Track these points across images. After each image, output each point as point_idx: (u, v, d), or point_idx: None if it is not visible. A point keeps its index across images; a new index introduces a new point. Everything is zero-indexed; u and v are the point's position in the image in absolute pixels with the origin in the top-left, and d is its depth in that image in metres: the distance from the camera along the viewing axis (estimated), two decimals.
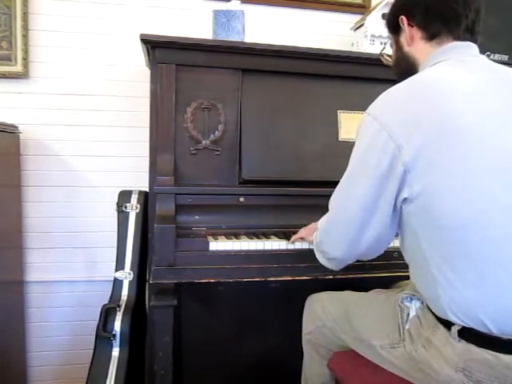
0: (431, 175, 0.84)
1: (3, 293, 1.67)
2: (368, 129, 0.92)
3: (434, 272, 0.88)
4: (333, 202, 1.01)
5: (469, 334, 0.85)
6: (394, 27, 1.07)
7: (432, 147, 0.84)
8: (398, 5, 1.07)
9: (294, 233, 1.31)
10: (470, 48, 0.97)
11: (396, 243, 1.30)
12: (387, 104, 0.92)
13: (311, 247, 1.14)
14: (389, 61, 1.19)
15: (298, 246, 1.30)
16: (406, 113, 0.88)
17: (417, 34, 1.01)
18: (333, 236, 1.01)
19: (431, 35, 0.99)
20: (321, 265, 1.10)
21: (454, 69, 0.93)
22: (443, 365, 0.89)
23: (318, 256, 1.10)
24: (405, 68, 1.05)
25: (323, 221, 1.04)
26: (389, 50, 1.18)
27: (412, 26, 1.01)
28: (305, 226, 1.31)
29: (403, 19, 1.02)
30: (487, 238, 0.82)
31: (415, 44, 1.02)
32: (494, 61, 0.98)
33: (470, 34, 0.97)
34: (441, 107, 0.86)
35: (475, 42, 0.99)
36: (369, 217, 0.92)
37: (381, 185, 0.89)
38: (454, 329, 0.87)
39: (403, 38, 1.04)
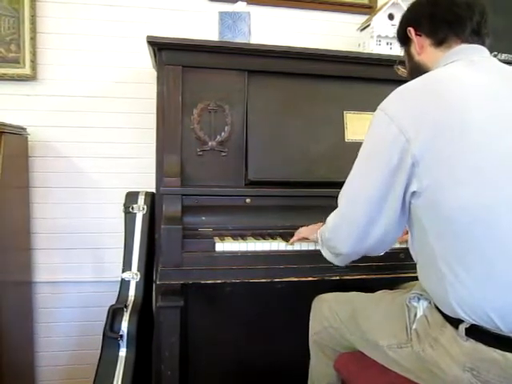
0: (439, 169, 0.85)
1: (12, 293, 1.69)
2: (379, 123, 0.94)
3: (441, 268, 0.88)
4: (342, 198, 1.02)
5: (477, 332, 0.85)
6: (403, 40, 1.12)
7: (440, 140, 0.84)
8: (404, 18, 1.12)
9: None
10: (478, 50, 0.99)
11: (402, 244, 1.32)
12: (398, 99, 0.94)
13: (317, 248, 1.14)
14: (404, 72, 1.21)
15: (305, 247, 1.30)
16: (416, 107, 0.89)
17: (425, 41, 1.05)
18: (341, 231, 1.01)
19: (439, 41, 1.02)
20: (327, 265, 1.10)
21: (464, 68, 0.95)
22: (451, 364, 0.88)
23: (324, 252, 1.11)
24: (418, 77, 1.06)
25: (332, 216, 1.05)
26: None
27: (420, 36, 1.05)
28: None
29: (411, 30, 1.06)
30: (495, 233, 0.82)
31: (425, 52, 1.06)
32: (501, 60, 1.00)
33: (477, 36, 1.00)
34: (450, 102, 0.87)
35: (483, 43, 1.01)
36: (377, 212, 0.93)
37: (391, 179, 0.90)
38: (462, 327, 0.87)
39: (413, 49, 1.08)
